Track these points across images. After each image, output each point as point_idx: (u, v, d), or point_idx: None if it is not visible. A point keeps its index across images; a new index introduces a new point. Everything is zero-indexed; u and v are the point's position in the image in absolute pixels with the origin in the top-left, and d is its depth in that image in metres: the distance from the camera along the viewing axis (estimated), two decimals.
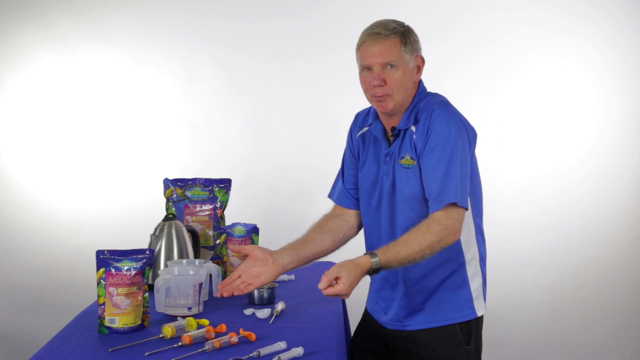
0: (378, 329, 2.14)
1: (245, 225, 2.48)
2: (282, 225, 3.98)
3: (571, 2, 3.89)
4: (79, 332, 1.90)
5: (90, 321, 1.98)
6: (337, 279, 1.78)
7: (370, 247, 2.11)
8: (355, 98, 3.91)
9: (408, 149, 1.95)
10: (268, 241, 3.30)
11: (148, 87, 4.07)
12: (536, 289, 3.90)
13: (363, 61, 1.96)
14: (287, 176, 4.01)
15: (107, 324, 1.88)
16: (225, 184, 2.66)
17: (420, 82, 2.05)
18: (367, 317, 2.23)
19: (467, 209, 1.91)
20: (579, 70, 3.91)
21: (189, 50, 4.04)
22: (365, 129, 2.13)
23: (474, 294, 2.04)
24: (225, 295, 1.92)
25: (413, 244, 1.86)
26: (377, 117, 2.07)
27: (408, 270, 2.01)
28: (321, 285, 1.77)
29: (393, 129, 2.00)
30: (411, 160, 1.94)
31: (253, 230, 2.48)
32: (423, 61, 2.03)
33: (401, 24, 2.00)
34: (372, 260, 1.84)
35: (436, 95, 2.06)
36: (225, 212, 2.66)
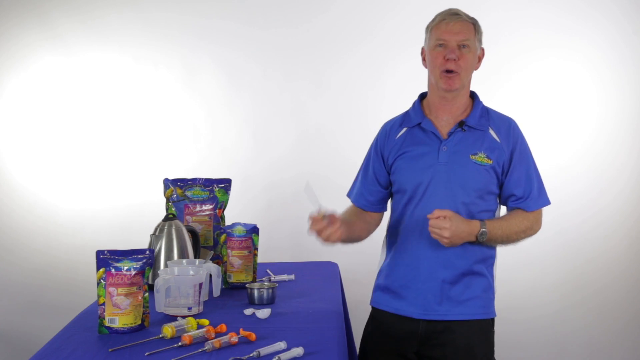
0: (403, 326, 2.12)
1: (245, 225, 2.48)
2: (282, 225, 3.98)
3: (571, 2, 3.88)
4: (79, 332, 1.90)
5: (90, 321, 1.98)
6: (445, 217, 1.95)
7: (406, 235, 2.14)
8: (355, 97, 3.93)
9: (483, 148, 2.08)
10: (268, 240, 3.31)
11: (148, 87, 4.06)
12: (538, 290, 3.90)
13: (439, 36, 2.07)
14: (287, 176, 4.00)
15: (107, 324, 1.88)
16: (225, 184, 2.66)
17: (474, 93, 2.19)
18: (382, 318, 2.19)
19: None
20: (579, 69, 3.90)
21: (189, 50, 4.03)
22: (405, 129, 2.17)
23: (495, 296, 2.16)
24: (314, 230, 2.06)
25: (514, 223, 2.07)
26: (424, 115, 2.15)
27: (449, 263, 2.08)
28: (430, 215, 1.96)
29: (462, 123, 2.09)
30: (487, 159, 2.07)
31: (253, 230, 2.48)
32: (484, 53, 2.16)
33: (471, 16, 2.14)
34: (481, 225, 2.00)
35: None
36: (225, 212, 2.65)
